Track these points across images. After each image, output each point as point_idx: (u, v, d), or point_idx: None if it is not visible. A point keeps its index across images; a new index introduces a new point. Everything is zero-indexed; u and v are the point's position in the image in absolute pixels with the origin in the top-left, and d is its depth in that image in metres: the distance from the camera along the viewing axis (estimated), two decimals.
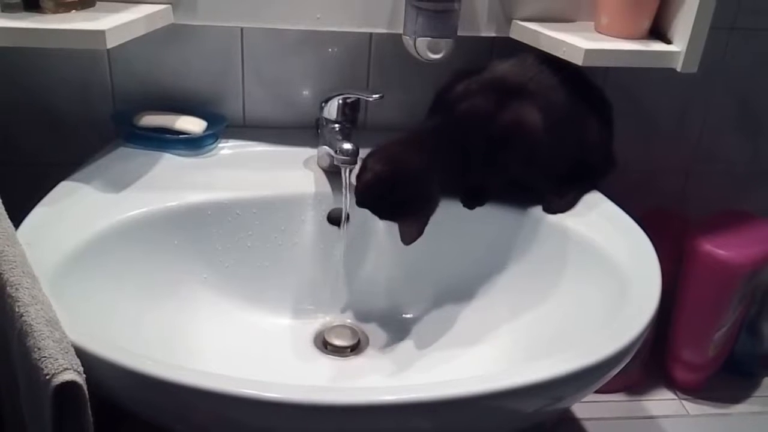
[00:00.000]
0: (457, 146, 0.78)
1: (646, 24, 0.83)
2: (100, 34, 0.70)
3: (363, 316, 0.86)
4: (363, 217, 0.84)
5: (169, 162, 0.85)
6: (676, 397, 1.04)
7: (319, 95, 0.88)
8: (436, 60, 0.82)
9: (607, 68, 0.93)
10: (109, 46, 0.71)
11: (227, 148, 0.90)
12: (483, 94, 0.80)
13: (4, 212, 0.64)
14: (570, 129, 0.83)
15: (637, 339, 0.63)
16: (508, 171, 0.81)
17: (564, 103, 0.82)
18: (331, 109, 0.85)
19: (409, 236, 0.78)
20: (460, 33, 0.83)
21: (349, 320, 0.85)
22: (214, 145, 0.89)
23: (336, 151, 0.78)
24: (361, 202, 0.76)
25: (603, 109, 0.87)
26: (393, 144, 0.77)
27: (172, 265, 0.77)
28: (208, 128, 0.88)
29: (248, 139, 0.91)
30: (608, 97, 0.88)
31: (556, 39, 0.81)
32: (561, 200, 0.82)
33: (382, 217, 0.77)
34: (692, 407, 1.02)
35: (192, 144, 0.87)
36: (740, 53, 1.00)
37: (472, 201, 0.83)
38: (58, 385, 0.50)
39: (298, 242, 0.84)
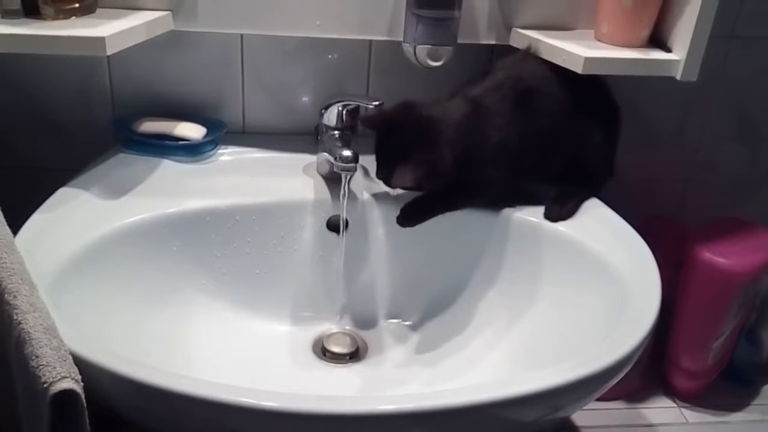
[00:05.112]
0: (474, 142, 0.77)
1: (645, 32, 0.83)
2: (100, 40, 0.70)
3: (362, 324, 0.85)
4: (362, 224, 0.84)
5: (169, 168, 0.85)
6: (675, 405, 1.04)
7: (318, 102, 0.88)
8: (435, 67, 0.82)
9: (606, 76, 0.93)
10: (109, 52, 0.71)
11: (227, 154, 0.90)
12: (501, 94, 0.80)
13: (3, 219, 0.64)
14: (577, 130, 0.83)
15: (637, 348, 0.63)
16: (520, 173, 0.81)
17: (573, 105, 0.82)
18: (331, 116, 0.85)
19: (397, 179, 0.78)
20: (460, 40, 0.83)
21: (347, 327, 0.85)
22: (213, 152, 0.89)
23: (336, 158, 0.78)
24: (381, 115, 0.78)
25: (609, 114, 0.87)
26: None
27: (170, 272, 0.77)
28: (207, 134, 0.88)
29: (248, 145, 0.91)
30: (617, 101, 0.88)
31: (556, 47, 0.81)
32: (562, 208, 0.82)
33: (387, 138, 0.77)
34: (691, 415, 1.02)
35: (191, 150, 0.87)
36: (739, 61, 1.00)
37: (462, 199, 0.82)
38: (55, 394, 0.50)
39: (297, 249, 0.84)
